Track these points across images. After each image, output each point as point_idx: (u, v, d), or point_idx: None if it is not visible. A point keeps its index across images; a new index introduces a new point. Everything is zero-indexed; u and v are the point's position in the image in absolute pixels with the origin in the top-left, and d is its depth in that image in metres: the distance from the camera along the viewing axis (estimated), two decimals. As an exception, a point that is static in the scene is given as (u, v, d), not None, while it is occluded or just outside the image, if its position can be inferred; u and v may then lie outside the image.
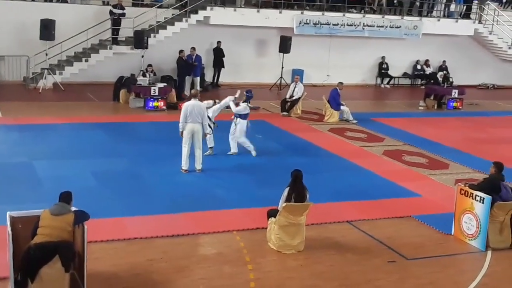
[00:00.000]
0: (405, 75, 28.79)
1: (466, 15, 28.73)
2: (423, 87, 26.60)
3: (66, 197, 8.02)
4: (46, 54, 21.29)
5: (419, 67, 28.58)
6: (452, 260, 9.82)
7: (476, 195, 10.11)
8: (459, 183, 11.01)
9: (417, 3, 28.31)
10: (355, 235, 10.48)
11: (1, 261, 8.17)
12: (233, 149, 14.75)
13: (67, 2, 23.16)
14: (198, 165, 13.19)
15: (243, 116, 14.54)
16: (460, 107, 23.01)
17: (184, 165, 13.12)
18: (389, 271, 9.18)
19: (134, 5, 23.52)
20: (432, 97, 23.24)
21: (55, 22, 20.86)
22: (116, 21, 22.28)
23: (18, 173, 12.45)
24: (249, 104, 14.71)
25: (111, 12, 22.16)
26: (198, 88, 22.22)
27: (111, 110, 19.46)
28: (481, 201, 10.01)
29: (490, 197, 9.93)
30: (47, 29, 20.72)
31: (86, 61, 22.25)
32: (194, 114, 12.87)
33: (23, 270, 7.62)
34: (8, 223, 7.82)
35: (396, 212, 11.63)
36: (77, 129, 16.36)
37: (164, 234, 9.91)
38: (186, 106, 13.03)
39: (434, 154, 16.08)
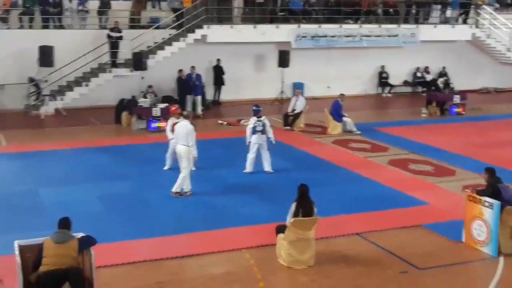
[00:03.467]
0: (405, 83, 28.78)
1: (463, 20, 28.77)
2: (424, 94, 26.55)
3: (65, 224, 7.99)
4: (46, 81, 21.32)
5: (419, 74, 28.58)
6: (464, 267, 9.75)
7: (484, 201, 10.04)
8: (467, 190, 10.97)
9: (413, 11, 28.37)
10: (365, 247, 10.41)
11: (10, 291, 8.13)
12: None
13: (64, 28, 23.21)
14: (174, 187, 12.85)
15: (252, 131, 14.48)
16: (463, 113, 22.96)
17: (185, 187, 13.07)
18: (402, 282, 9.11)
19: (131, 27, 23.58)
20: (434, 104, 23.20)
21: (53, 48, 20.91)
22: (114, 44, 22.35)
23: (23, 201, 12.42)
24: (257, 118, 14.53)
25: (108, 36, 22.23)
26: (200, 107, 22.25)
27: (114, 133, 19.47)
28: (490, 206, 9.93)
29: (499, 202, 9.86)
30: (45, 55, 20.76)
31: (87, 85, 22.29)
32: (180, 136, 12.80)
33: (34, 298, 7.59)
34: (17, 252, 7.78)
35: (404, 221, 11.55)
36: (81, 153, 16.34)
37: (173, 256, 9.85)
38: (176, 127, 13.09)
39: (439, 161, 16.02)
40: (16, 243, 7.92)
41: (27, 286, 7.67)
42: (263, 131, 14.47)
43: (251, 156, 14.57)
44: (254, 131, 14.42)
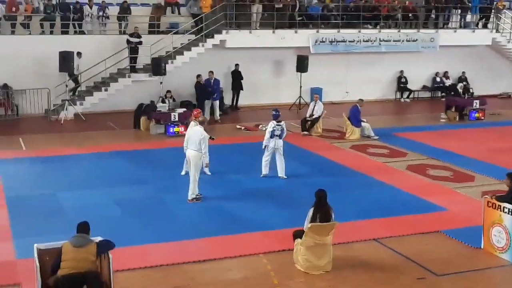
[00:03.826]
0: (424, 88, 28.63)
1: (483, 25, 28.58)
2: (443, 99, 26.39)
3: (84, 228, 8.06)
4: (66, 86, 21.53)
5: (438, 79, 28.41)
6: (483, 274, 9.65)
7: (504, 207, 9.95)
8: (486, 196, 10.86)
9: (433, 16, 28.22)
10: (383, 253, 10.36)
11: (29, 294, 8.21)
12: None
13: (84, 33, 23.42)
14: (189, 194, 12.83)
15: (270, 135, 14.48)
16: (483, 118, 22.76)
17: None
18: (420, 288, 9.05)
19: (150, 32, 23.72)
20: (453, 109, 23.05)
21: (73, 54, 21.10)
22: (133, 50, 22.52)
23: (43, 204, 12.53)
24: (277, 123, 14.50)
25: (128, 41, 22.41)
26: (218, 111, 22.30)
27: (132, 137, 19.57)
28: (510, 213, 9.84)
29: (519, 208, 9.77)
30: (65, 61, 20.94)
31: (106, 90, 22.46)
32: (192, 141, 12.78)
33: (52, 302, 7.66)
34: (36, 255, 7.85)
35: (423, 227, 11.48)
36: (100, 158, 16.45)
37: (190, 260, 9.87)
38: (187, 132, 13.08)
39: (458, 166, 15.91)
40: (35, 247, 8.00)
41: (45, 289, 7.74)
42: (280, 136, 14.49)
43: (265, 159, 14.60)
44: (272, 135, 14.43)
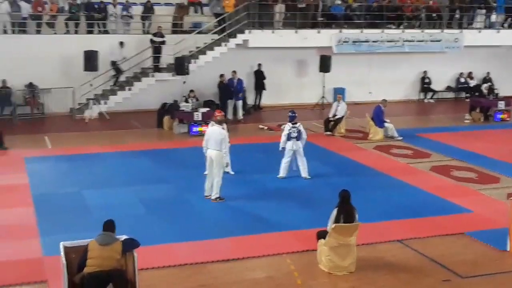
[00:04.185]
0: (448, 88, 28.41)
1: (508, 25, 28.27)
2: (468, 100, 26.18)
3: (110, 226, 8.13)
4: (91, 85, 21.72)
5: (462, 80, 28.18)
6: (508, 277, 9.56)
7: (530, 209, 9.86)
8: (512, 197, 10.77)
9: (457, 16, 27.98)
10: (407, 254, 10.31)
11: (56, 291, 8.31)
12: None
13: (108, 33, 23.61)
14: (213, 194, 12.85)
15: (287, 138, 14.47)
16: (508, 119, 22.56)
17: (206, 191, 13.06)
18: (444, 290, 9.00)
19: (173, 32, 23.85)
20: (478, 110, 22.88)
21: (98, 53, 21.28)
22: (156, 49, 22.63)
23: (68, 202, 12.66)
24: (292, 125, 14.50)
25: (151, 41, 22.54)
26: (241, 111, 22.35)
27: (156, 137, 19.69)
28: (536, 215, 9.75)
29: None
30: (90, 60, 21.15)
31: (130, 89, 22.63)
32: (212, 141, 12.77)
33: (78, 299, 7.74)
34: (62, 253, 7.94)
35: (447, 229, 11.41)
36: (123, 157, 16.58)
37: (214, 259, 9.91)
38: (207, 131, 13.09)
39: (483, 168, 15.77)
40: (61, 245, 8.09)
41: (72, 287, 7.82)
42: (297, 138, 14.44)
43: (285, 161, 14.56)
44: (289, 138, 14.40)
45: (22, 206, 12.33)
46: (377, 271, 9.58)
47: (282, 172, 14.58)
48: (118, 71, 22.57)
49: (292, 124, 14.45)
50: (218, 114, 13.64)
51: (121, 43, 22.27)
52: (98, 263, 7.75)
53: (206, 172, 14.34)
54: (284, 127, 14.69)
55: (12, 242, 10.50)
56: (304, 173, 14.58)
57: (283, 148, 14.46)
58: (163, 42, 22.60)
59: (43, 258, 9.78)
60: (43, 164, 15.65)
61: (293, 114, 14.61)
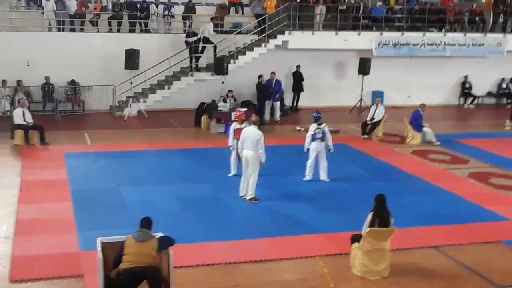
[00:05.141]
0: (489, 94, 27.97)
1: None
2: (509, 106, 25.72)
3: (147, 223, 8.24)
4: (131, 83, 22.01)
5: (504, 85, 27.72)
6: (545, 287, 9.41)
7: None
8: (552, 207, 10.58)
9: (501, 20, 27.52)
10: (442, 261, 10.22)
11: (92, 285, 8.46)
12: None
13: (150, 32, 23.89)
14: (248, 194, 12.93)
15: (312, 138, 14.44)
16: (550, 126, 22.12)
17: (240, 190, 13.16)
18: (479, 299, 8.90)
19: (214, 32, 24.00)
20: (519, 117, 22.48)
21: (139, 52, 21.56)
22: (193, 49, 22.76)
23: (106, 198, 12.87)
24: (318, 125, 14.41)
25: (186, 42, 22.70)
26: (278, 112, 22.39)
27: (193, 136, 19.85)
28: None
29: None
30: (131, 58, 21.43)
31: (169, 88, 22.85)
32: (248, 141, 12.81)
33: (114, 294, 7.88)
34: (99, 248, 8.10)
35: (484, 237, 11.27)
36: (161, 155, 16.76)
37: (248, 260, 9.97)
38: (242, 132, 13.15)
39: (523, 176, 15.53)
40: (98, 240, 8.25)
41: (107, 282, 7.98)
42: (322, 138, 14.39)
43: (310, 162, 14.53)
44: (313, 138, 14.36)
45: (61, 201, 12.57)
46: (410, 277, 9.52)
47: (308, 175, 14.57)
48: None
49: (318, 124, 14.41)
50: (240, 114, 13.78)
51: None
52: (134, 259, 7.87)
53: (231, 174, 14.43)
54: (300, 128, 14.66)
55: (51, 236, 10.71)
56: (323, 175, 14.53)
57: (308, 150, 14.45)
58: (198, 41, 22.67)
59: (80, 252, 9.96)
60: (82, 160, 15.93)
61: (318, 115, 14.52)
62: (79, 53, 22.04)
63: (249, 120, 13.67)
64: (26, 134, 17.30)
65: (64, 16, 22.86)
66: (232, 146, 14.37)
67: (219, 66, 21.99)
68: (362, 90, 24.44)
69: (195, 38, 22.68)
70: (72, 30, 22.94)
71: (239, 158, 14.05)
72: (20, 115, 17.48)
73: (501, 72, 27.51)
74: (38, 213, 11.88)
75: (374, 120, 19.64)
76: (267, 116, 21.95)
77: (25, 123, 17.45)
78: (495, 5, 27.66)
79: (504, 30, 27.28)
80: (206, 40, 22.75)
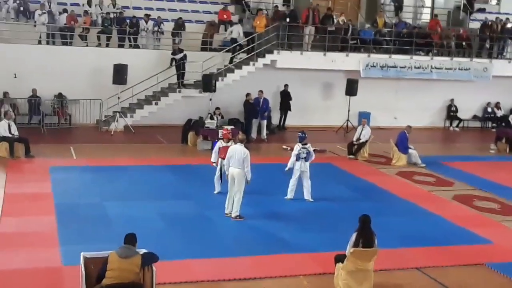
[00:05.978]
0: (475, 117, 28.21)
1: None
2: (494, 130, 25.96)
3: (131, 239, 8.20)
4: (118, 98, 21.99)
5: (489, 109, 27.99)
6: (527, 311, 9.46)
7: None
8: (534, 231, 10.66)
9: (487, 45, 27.86)
10: (424, 282, 10.26)
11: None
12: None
13: (139, 47, 23.93)
14: (233, 212, 12.96)
15: (296, 158, 14.48)
16: (534, 151, 22.33)
17: (226, 208, 13.17)
18: (461, 321, 8.91)
19: (202, 49, 24.11)
20: (504, 140, 22.65)
21: (127, 67, 21.57)
22: (179, 66, 22.83)
23: (90, 213, 12.80)
24: (302, 145, 14.44)
25: (172, 60, 22.77)
26: (265, 131, 22.44)
27: (179, 152, 19.81)
28: (558, 250, 9.64)
29: None
30: (119, 73, 21.42)
31: (156, 104, 22.84)
32: (235, 159, 12.85)
33: (96, 311, 7.82)
34: (82, 263, 8.04)
35: (466, 259, 11.33)
36: (146, 170, 16.71)
37: (231, 278, 9.94)
38: (229, 150, 13.19)
39: (506, 199, 15.62)
40: (81, 255, 8.19)
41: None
42: (306, 158, 14.44)
43: (292, 181, 14.57)
44: (298, 158, 14.40)
45: (45, 215, 12.49)
46: (393, 298, 9.54)
47: (289, 194, 14.60)
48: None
49: (302, 144, 14.46)
50: (226, 132, 13.88)
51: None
52: (117, 275, 7.82)
53: (216, 191, 14.45)
54: (286, 147, 14.74)
55: (33, 250, 10.63)
56: (307, 195, 14.57)
57: (290, 169, 14.48)
58: (184, 57, 22.77)
59: (63, 267, 9.89)
60: (67, 174, 15.84)
61: (303, 135, 14.62)
62: (67, 67, 22.00)
63: (236, 138, 13.73)
64: (11, 147, 17.21)
65: (54, 29, 22.84)
66: (215, 163, 14.38)
67: (207, 83, 22.04)
68: (349, 110, 24.54)
69: (181, 55, 22.75)
70: (65, 44, 22.90)
71: (221, 176, 14.10)
72: (6, 127, 17.40)
73: (487, 96, 27.78)
74: (20, 226, 11.80)
75: (361, 141, 19.74)
76: (254, 134, 21.99)
77: (10, 135, 17.38)
78: (481, 31, 28.00)
79: (490, 56, 27.61)
80: (234, 41, 23.12)
